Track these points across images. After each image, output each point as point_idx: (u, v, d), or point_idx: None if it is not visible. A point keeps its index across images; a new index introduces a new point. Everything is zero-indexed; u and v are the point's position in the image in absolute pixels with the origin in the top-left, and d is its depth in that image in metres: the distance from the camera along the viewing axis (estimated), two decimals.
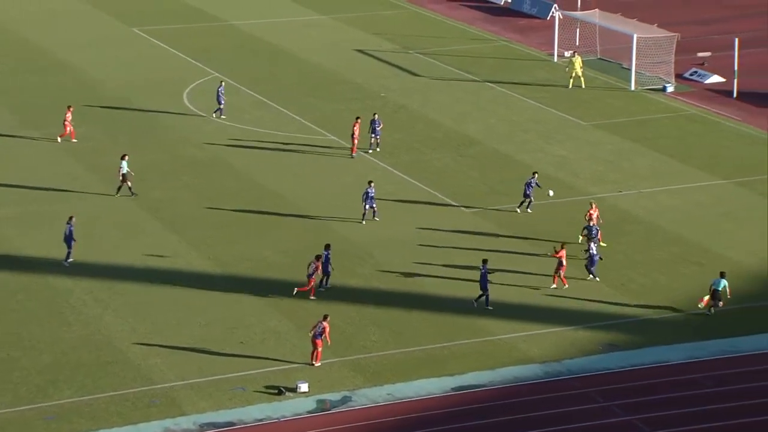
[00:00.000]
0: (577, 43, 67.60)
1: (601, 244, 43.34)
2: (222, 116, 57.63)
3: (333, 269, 41.25)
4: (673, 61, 62.45)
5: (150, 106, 59.76)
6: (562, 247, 41.39)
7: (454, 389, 35.67)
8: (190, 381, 35.99)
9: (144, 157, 52.45)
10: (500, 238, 45.14)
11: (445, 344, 38.11)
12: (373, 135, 53.75)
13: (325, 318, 37.05)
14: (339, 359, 37.20)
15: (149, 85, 63.16)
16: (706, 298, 39.77)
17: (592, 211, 44.46)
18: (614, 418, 34.06)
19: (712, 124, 57.05)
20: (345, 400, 35.21)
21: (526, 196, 46.80)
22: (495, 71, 65.58)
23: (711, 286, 39.83)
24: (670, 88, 61.66)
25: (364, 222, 46.33)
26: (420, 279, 42.27)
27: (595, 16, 66.48)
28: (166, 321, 39.44)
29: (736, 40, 61.88)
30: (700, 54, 65.10)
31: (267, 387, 35.70)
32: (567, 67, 62.81)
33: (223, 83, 59.06)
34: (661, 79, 62.27)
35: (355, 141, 52.93)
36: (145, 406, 34.70)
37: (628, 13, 70.00)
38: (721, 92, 61.26)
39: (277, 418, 34.27)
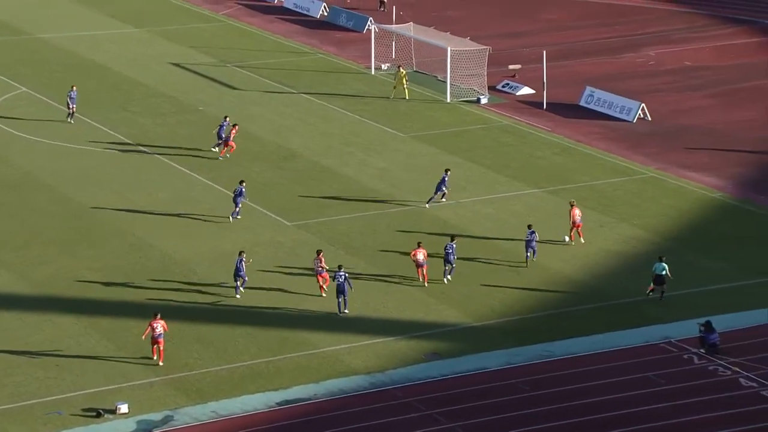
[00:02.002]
0: (393, 56, 67.98)
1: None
2: (70, 120, 57.12)
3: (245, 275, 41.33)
4: (485, 73, 63.37)
5: None
6: (419, 246, 42.06)
7: (279, 404, 35.18)
8: (1, 407, 34.45)
9: None
10: (324, 251, 44.92)
11: (269, 359, 37.59)
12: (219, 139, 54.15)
13: (155, 315, 36.75)
14: (160, 378, 36.25)
15: None
16: (651, 285, 41.13)
17: (574, 211, 45.22)
18: (436, 426, 34.14)
19: (525, 135, 58.07)
20: (167, 419, 34.31)
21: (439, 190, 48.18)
22: (313, 84, 65.39)
23: (653, 273, 41.14)
24: (484, 100, 62.53)
25: (238, 217, 47.02)
26: (244, 294, 41.61)
27: (409, 29, 66.97)
28: None
29: (544, 52, 63.20)
30: (511, 66, 66.23)
31: (85, 410, 34.50)
32: (394, 79, 63.10)
33: (74, 87, 57.74)
34: (475, 91, 63.10)
35: (231, 144, 53.44)
36: None
37: (441, 27, 70.81)
38: (532, 103, 62.46)
39: None
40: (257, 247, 45.09)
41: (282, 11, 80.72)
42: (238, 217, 47.12)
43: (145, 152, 55.13)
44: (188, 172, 52.77)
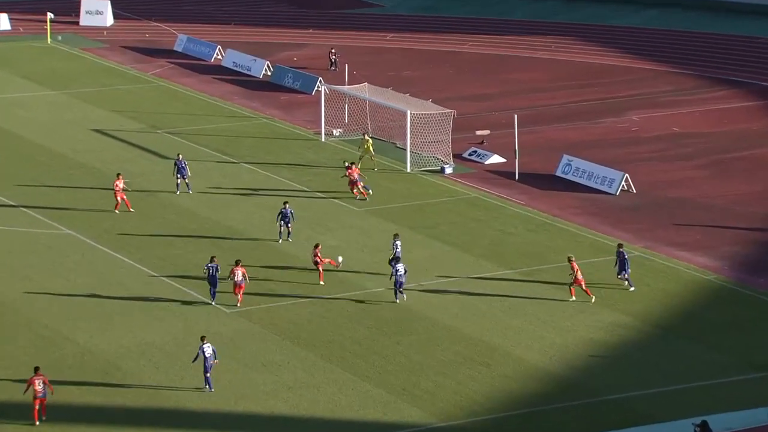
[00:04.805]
0: (346, 121, 68.19)
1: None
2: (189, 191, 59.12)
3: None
4: (450, 139, 63.60)
5: None
6: (237, 264, 46.91)
7: None
8: None
9: None
10: (267, 342, 44.56)
11: None
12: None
13: (36, 370, 38.94)
14: None
15: None
16: None
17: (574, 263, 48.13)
18: None
19: (495, 209, 58.17)
20: None
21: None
22: (256, 152, 65.36)
23: None
24: (448, 170, 62.67)
25: (280, 241, 52.57)
26: (174, 392, 41.09)
27: (364, 90, 67.19)
28: None
29: (515, 117, 63.55)
30: (479, 132, 66.48)
31: None
32: (359, 148, 63.18)
33: (180, 155, 59.39)
34: (438, 160, 63.26)
35: (359, 185, 57.85)
36: None
37: (399, 88, 71.16)
38: (503, 173, 62.65)
39: None
40: (191, 337, 44.60)
41: (220, 71, 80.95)
42: (289, 240, 52.69)
43: (62, 231, 54.68)
44: (111, 252, 52.34)
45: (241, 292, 46.54)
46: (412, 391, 41.56)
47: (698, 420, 38.51)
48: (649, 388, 41.96)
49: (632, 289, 48.82)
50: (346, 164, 59.27)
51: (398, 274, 47.21)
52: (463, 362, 43.38)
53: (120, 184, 56.58)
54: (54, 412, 39.58)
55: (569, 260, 48.26)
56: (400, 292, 47.35)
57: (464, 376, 42.49)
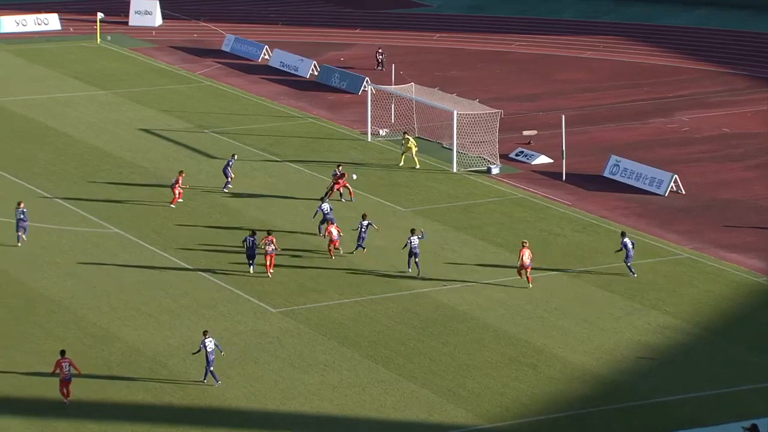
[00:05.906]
0: (393, 120, 68.19)
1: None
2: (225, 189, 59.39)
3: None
4: (497, 140, 63.46)
5: None
6: (268, 233, 49.49)
7: None
8: None
9: None
10: (314, 341, 44.61)
11: None
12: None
13: (62, 354, 39.72)
14: None
15: None
16: None
17: (524, 252, 48.60)
18: None
19: (542, 210, 57.98)
20: None
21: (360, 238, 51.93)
22: (302, 152, 65.47)
23: None
24: (495, 170, 62.53)
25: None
26: (220, 392, 41.22)
27: (410, 90, 67.16)
28: None
29: (563, 117, 63.32)
30: (526, 132, 66.30)
31: None
32: (401, 146, 63.28)
33: (235, 155, 60.23)
34: (485, 160, 63.13)
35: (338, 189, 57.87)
36: None
37: (446, 88, 71.07)
38: (550, 174, 62.44)
39: None
40: (236, 336, 44.77)
41: (267, 71, 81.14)
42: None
43: (110, 230, 54.99)
44: (159, 251, 52.57)
45: (272, 262, 49.08)
46: (458, 391, 41.48)
47: (748, 423, 38.21)
48: (698, 391, 41.68)
49: (634, 276, 49.49)
50: (339, 168, 58.43)
51: (413, 245, 49.43)
52: (509, 363, 43.26)
53: (180, 180, 57.25)
54: (101, 410, 39.82)
55: (522, 245, 48.77)
56: (415, 263, 49.39)
57: (510, 378, 42.37)
